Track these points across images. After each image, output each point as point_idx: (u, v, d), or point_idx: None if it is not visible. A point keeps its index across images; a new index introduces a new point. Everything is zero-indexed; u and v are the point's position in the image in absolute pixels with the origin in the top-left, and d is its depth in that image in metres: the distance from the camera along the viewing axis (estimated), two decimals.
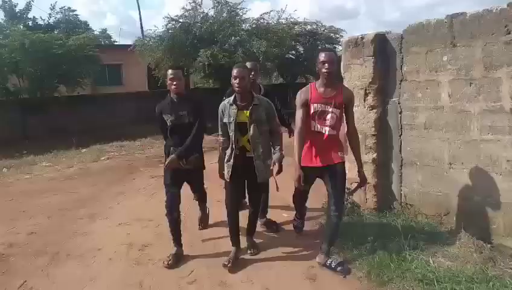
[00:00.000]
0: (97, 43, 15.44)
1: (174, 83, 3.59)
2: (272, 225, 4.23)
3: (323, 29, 15.89)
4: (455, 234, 3.49)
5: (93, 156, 9.37)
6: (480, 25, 3.26)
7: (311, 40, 15.52)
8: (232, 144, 3.34)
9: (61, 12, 22.59)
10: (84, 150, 10.12)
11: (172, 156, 3.59)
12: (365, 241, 3.50)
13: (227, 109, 3.35)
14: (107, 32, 31.26)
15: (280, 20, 14.69)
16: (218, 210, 4.24)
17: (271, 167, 3.37)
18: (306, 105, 3.22)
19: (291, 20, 14.90)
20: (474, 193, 3.48)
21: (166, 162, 3.60)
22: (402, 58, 3.86)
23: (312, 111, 3.21)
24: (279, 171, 3.35)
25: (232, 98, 3.36)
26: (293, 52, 16.10)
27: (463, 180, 3.55)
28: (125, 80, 19.05)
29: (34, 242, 4.26)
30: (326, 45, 15.24)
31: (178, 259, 3.56)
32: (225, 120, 3.36)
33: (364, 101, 4.07)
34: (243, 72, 3.23)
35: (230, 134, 3.34)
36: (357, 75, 4.02)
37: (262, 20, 14.22)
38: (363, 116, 4.10)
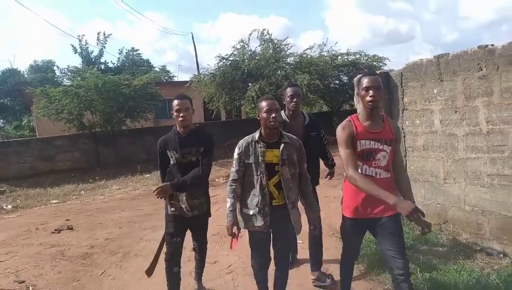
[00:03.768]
0: (158, 80, 17.16)
1: (181, 114, 3.16)
2: (326, 276, 3.63)
3: (366, 58, 16.51)
4: (450, 239, 4.11)
5: (155, 180, 10.64)
6: (460, 64, 3.94)
7: (353, 70, 16.20)
8: (264, 188, 2.80)
9: (127, 55, 25.07)
10: (147, 175, 11.51)
11: (167, 183, 3.15)
12: (370, 243, 4.17)
13: (252, 147, 2.85)
14: (167, 68, 34.06)
15: (322, 53, 15.65)
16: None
17: (311, 227, 3.00)
18: (352, 142, 2.61)
19: (333, 52, 15.76)
20: (465, 203, 4.07)
21: (157, 186, 3.16)
22: (403, 91, 4.61)
23: (359, 149, 2.61)
24: (320, 228, 3.05)
25: (256, 134, 2.88)
26: (337, 81, 16.86)
27: (456, 192, 4.16)
28: None
29: (109, 245, 5.39)
30: None
31: None
32: (250, 160, 2.83)
33: None
34: (276, 105, 2.82)
35: (256, 177, 2.81)
36: None
37: (305, 55, 15.28)
38: None
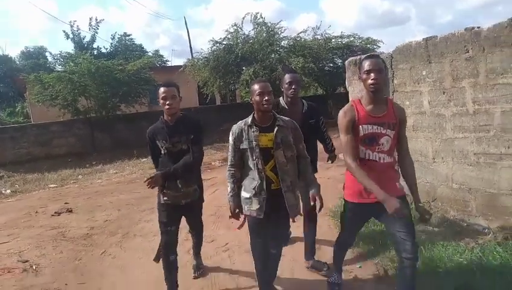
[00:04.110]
0: (152, 65, 17.11)
1: (167, 102, 3.07)
2: (322, 265, 3.58)
3: (360, 41, 16.50)
4: (438, 216, 4.28)
5: (151, 164, 10.74)
6: (447, 46, 4.04)
7: (347, 53, 16.24)
8: (261, 172, 2.76)
9: (119, 41, 24.72)
10: (143, 159, 11.60)
11: (157, 173, 3.12)
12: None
13: (245, 131, 2.79)
14: (160, 52, 33.79)
15: (316, 37, 15.64)
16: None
17: (311, 203, 2.85)
18: (353, 127, 2.58)
19: (327, 35, 15.73)
20: (452, 181, 4.23)
21: (148, 177, 3.09)
22: (393, 74, 4.71)
23: (361, 134, 2.58)
24: (321, 206, 2.88)
25: (249, 118, 2.82)
26: (331, 64, 16.88)
27: (444, 171, 4.31)
28: None
29: (108, 226, 5.56)
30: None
31: None
32: (244, 145, 2.79)
33: None
34: (269, 87, 2.74)
35: (253, 161, 2.77)
36: (357, 88, 4.92)
37: (299, 38, 15.27)
38: None
